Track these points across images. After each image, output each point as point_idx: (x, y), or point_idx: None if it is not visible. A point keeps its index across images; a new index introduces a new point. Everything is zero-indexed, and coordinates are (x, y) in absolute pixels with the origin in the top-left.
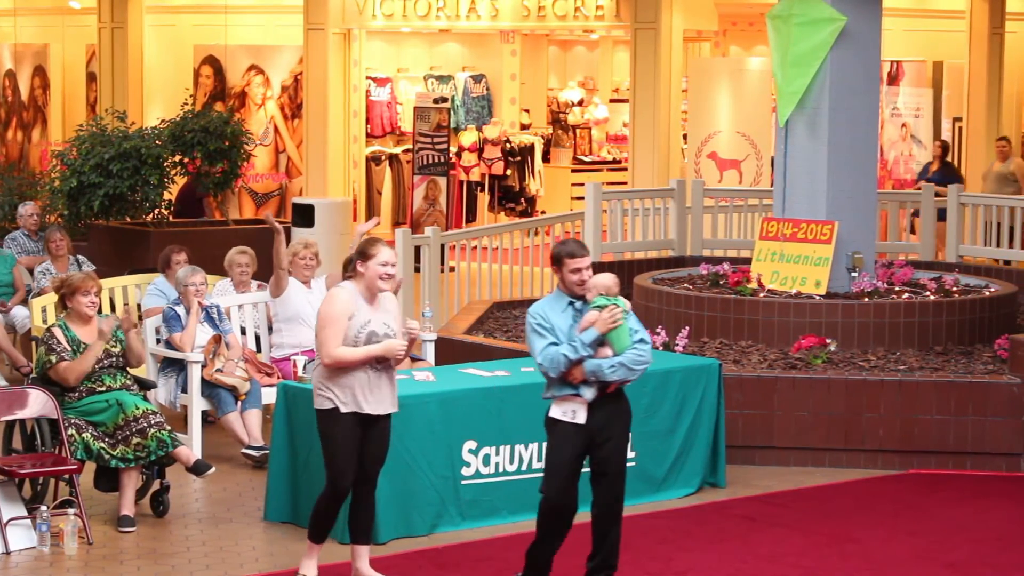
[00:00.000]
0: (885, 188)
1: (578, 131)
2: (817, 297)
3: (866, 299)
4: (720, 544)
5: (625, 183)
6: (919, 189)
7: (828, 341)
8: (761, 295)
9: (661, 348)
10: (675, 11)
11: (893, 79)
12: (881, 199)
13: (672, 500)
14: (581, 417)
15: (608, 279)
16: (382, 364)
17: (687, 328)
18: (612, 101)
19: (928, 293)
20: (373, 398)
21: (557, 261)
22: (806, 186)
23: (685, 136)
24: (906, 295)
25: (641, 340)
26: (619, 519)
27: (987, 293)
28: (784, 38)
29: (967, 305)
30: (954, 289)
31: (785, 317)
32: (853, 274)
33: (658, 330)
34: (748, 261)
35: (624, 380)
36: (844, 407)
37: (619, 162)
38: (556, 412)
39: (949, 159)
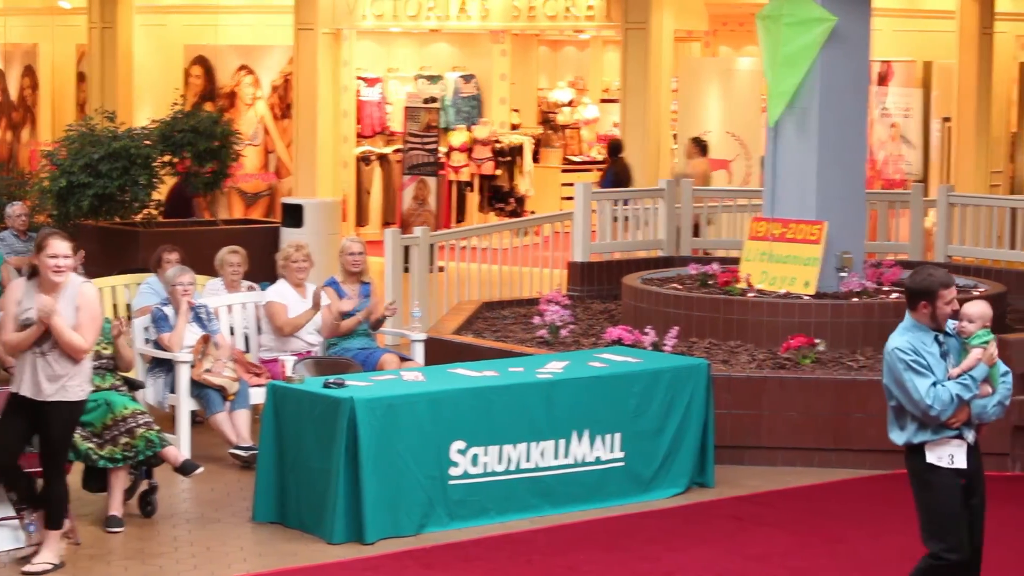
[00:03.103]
0: (874, 188)
1: (568, 131)
2: (806, 297)
3: (855, 299)
4: (708, 544)
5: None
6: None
7: (817, 341)
8: (750, 295)
9: (650, 348)
10: (665, 11)
11: (883, 79)
12: (870, 199)
13: (660, 500)
14: (961, 460)
15: (987, 307)
16: (42, 348)
17: (676, 328)
18: (602, 101)
19: None
20: (27, 380)
21: (929, 294)
22: (795, 186)
23: (675, 136)
24: (895, 295)
25: (1007, 372)
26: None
27: (976, 293)
28: (774, 38)
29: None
30: None
31: (774, 317)
32: (842, 274)
33: (647, 330)
34: (737, 261)
35: (998, 418)
36: (832, 407)
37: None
38: (933, 457)
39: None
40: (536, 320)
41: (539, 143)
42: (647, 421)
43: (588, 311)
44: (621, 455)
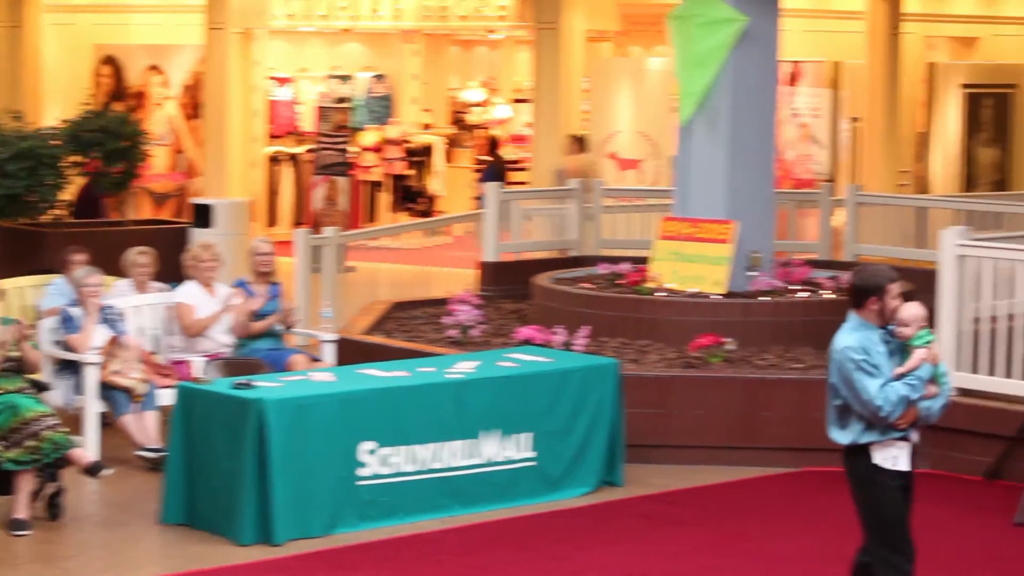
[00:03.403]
0: (784, 188)
1: (479, 131)
2: (716, 296)
3: (764, 298)
4: (617, 543)
5: (526, 183)
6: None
7: (726, 340)
8: (660, 294)
9: (560, 348)
10: (576, 11)
11: (793, 79)
12: (779, 199)
13: (570, 499)
14: (904, 463)
15: (923, 310)
16: None
17: (586, 328)
18: (514, 101)
19: (825, 292)
20: None
21: (879, 290)
22: (705, 186)
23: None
24: (803, 294)
25: (946, 371)
26: None
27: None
28: (685, 38)
29: None
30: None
31: (684, 316)
32: (751, 273)
33: (557, 330)
34: (647, 260)
35: (938, 419)
36: (741, 406)
37: (520, 162)
38: (879, 459)
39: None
40: (447, 320)
41: (451, 143)
42: (557, 420)
43: (499, 311)
44: (531, 455)
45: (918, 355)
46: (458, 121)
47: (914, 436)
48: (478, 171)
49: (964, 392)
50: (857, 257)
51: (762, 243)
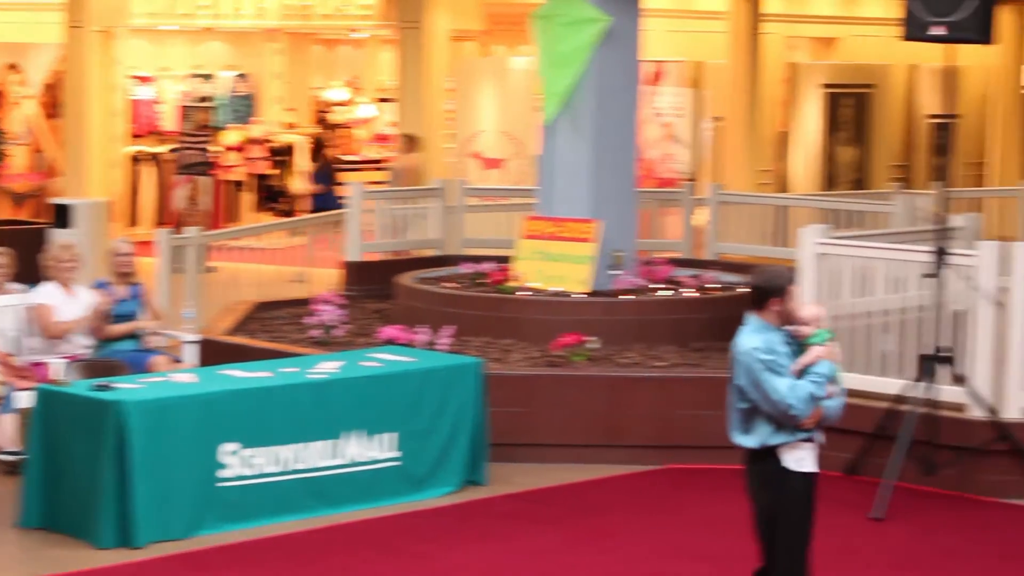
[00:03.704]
0: (646, 187)
1: (342, 131)
2: (579, 295)
3: (626, 297)
4: (481, 542)
5: (390, 183)
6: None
7: (588, 339)
8: (523, 293)
9: (424, 347)
10: (440, 10)
11: (655, 79)
12: (642, 198)
13: (434, 499)
14: (810, 464)
15: (820, 310)
16: None
17: (450, 327)
18: (379, 100)
19: (687, 290)
20: None
21: (780, 292)
22: (569, 185)
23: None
24: (665, 292)
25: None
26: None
27: (744, 290)
28: (549, 38)
29: (724, 302)
30: (712, 286)
31: (547, 315)
32: (614, 272)
33: (420, 329)
34: (510, 260)
35: (838, 419)
36: (604, 404)
37: (384, 161)
38: (790, 461)
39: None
40: (309, 320)
41: (314, 142)
42: (421, 420)
43: (362, 310)
44: (395, 454)
45: (815, 351)
46: (322, 120)
47: (819, 437)
48: (311, 173)
49: None
50: (719, 256)
51: (625, 242)
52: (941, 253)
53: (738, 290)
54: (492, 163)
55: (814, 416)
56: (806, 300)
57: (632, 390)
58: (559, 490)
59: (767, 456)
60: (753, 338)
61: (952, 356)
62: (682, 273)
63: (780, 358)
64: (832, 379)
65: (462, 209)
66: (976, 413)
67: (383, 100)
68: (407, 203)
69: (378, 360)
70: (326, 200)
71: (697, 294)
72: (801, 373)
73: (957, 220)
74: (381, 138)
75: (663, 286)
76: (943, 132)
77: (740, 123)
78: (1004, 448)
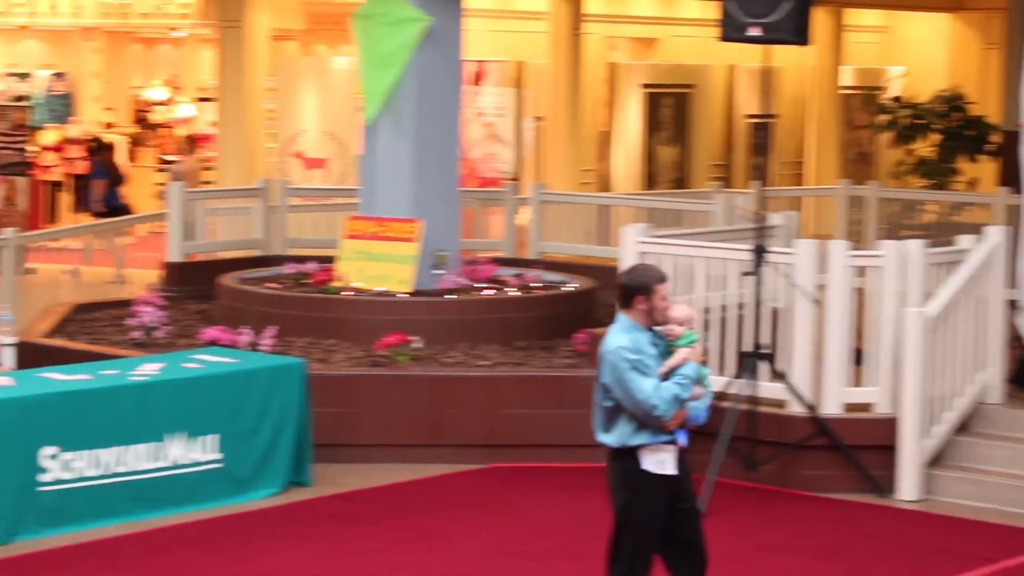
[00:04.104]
0: (469, 186)
1: (162, 130)
2: (402, 295)
3: (450, 296)
4: (306, 543)
5: (211, 182)
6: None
7: (412, 338)
8: (347, 294)
9: (247, 348)
10: (260, 10)
11: (477, 79)
12: (465, 197)
13: (257, 500)
14: (671, 467)
15: (691, 311)
16: None
17: (273, 327)
18: (199, 100)
19: (510, 289)
20: None
21: (645, 290)
22: (391, 185)
23: (273, 135)
24: (488, 292)
25: (707, 374)
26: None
27: (567, 289)
28: (369, 38)
29: (547, 301)
30: (535, 285)
31: (371, 315)
32: (437, 272)
33: (243, 330)
34: (334, 260)
35: (704, 422)
36: (428, 403)
37: (206, 161)
38: (649, 463)
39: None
40: (130, 322)
41: (134, 142)
42: (244, 421)
43: (184, 311)
44: (218, 456)
45: (681, 353)
46: (141, 120)
47: (681, 439)
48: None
49: None
50: (541, 255)
51: (448, 241)
52: (760, 251)
53: (561, 289)
54: (314, 163)
55: (677, 418)
56: (676, 300)
57: (456, 389)
58: (384, 490)
59: (626, 456)
60: (620, 337)
61: (771, 353)
62: (505, 272)
63: (646, 358)
64: (698, 381)
65: (284, 209)
66: (795, 409)
67: (203, 100)
68: (229, 203)
69: (200, 361)
70: (110, 198)
71: (520, 293)
72: (668, 375)
73: (775, 218)
74: (201, 138)
75: (486, 285)
76: (761, 132)
77: (562, 123)
78: (823, 443)
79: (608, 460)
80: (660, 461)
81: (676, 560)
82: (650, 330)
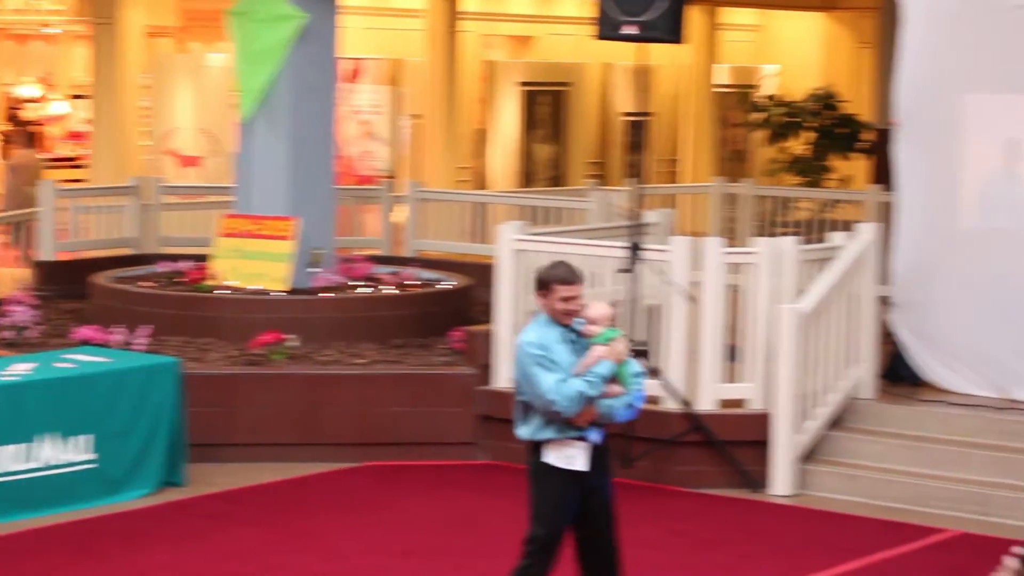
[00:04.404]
0: (345, 184)
1: (35, 127)
2: (278, 293)
3: (326, 294)
4: (180, 543)
5: (84, 180)
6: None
7: (288, 337)
8: (221, 292)
9: (120, 347)
10: (135, 7)
11: (353, 76)
12: (340, 195)
13: (131, 501)
14: (581, 463)
15: (608, 307)
16: None
17: (147, 326)
18: (72, 97)
19: (387, 287)
20: None
21: (544, 286)
22: (267, 183)
23: (147, 133)
24: (365, 290)
25: (639, 373)
26: (619, 565)
27: (443, 287)
28: (245, 35)
29: (424, 299)
30: (411, 283)
31: (246, 314)
32: (313, 270)
33: (115, 329)
34: (208, 258)
35: (629, 420)
36: (304, 402)
37: (78, 159)
38: (552, 458)
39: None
40: (1, 321)
41: (6, 139)
42: (117, 421)
43: (56, 310)
44: (91, 456)
45: (595, 352)
46: (12, 117)
47: (594, 436)
48: None
49: None
50: (418, 253)
51: (323, 240)
52: (635, 249)
53: (438, 287)
54: (189, 161)
55: (585, 415)
56: (594, 299)
57: (332, 388)
58: (259, 489)
59: (537, 449)
60: (530, 332)
61: (647, 349)
62: (382, 270)
63: (552, 354)
64: (615, 379)
65: (158, 207)
66: (670, 405)
67: (77, 97)
68: (102, 201)
69: (73, 361)
70: None
71: (396, 291)
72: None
73: (651, 216)
74: (75, 135)
75: (362, 283)
76: (637, 130)
77: (438, 121)
78: (697, 439)
79: (527, 454)
80: (568, 456)
81: (586, 563)
82: (570, 328)
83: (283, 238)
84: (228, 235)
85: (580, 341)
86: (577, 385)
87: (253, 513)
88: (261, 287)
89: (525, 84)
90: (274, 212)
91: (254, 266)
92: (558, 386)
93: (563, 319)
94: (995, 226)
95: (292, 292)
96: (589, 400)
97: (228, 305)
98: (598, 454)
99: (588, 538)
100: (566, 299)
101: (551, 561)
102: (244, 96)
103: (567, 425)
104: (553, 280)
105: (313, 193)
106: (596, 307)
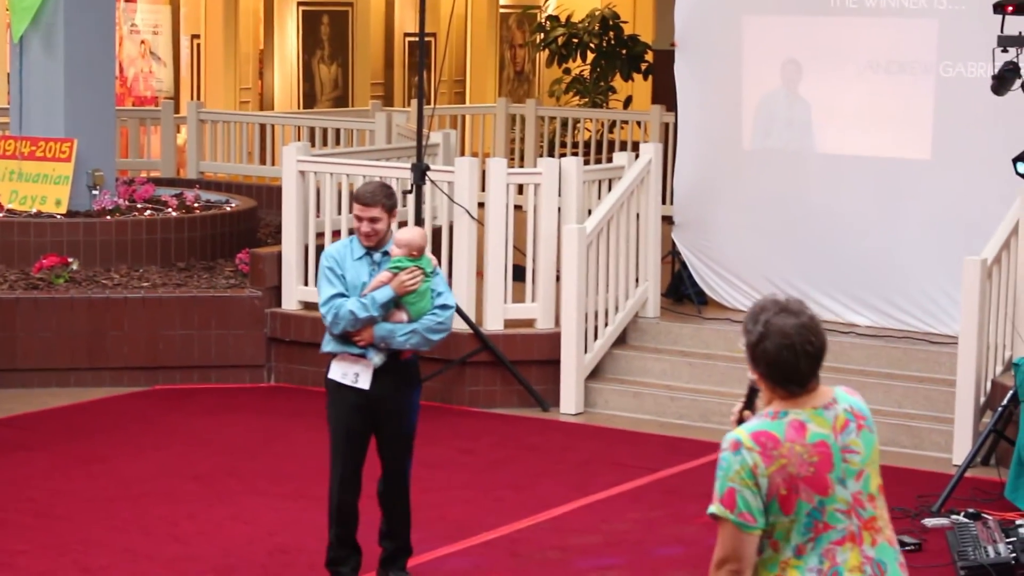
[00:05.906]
0: (125, 105)
1: None
2: (58, 216)
3: (108, 217)
4: None
5: None
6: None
7: (70, 260)
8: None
9: None
10: None
11: None
12: (121, 116)
13: None
14: (365, 381)
15: (414, 235)
16: None
17: None
18: None
19: (170, 210)
20: None
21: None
22: (43, 103)
23: None
24: (148, 212)
25: (444, 305)
26: (407, 495)
27: (228, 208)
28: None
29: (208, 221)
30: (195, 205)
31: (25, 237)
32: (94, 192)
33: None
34: None
35: (419, 348)
36: (88, 326)
37: None
38: (336, 373)
39: None
40: None
41: None
42: None
43: None
44: None
45: (380, 277)
46: None
47: (375, 358)
48: None
49: (307, 305)
50: (201, 174)
51: (104, 161)
52: (420, 169)
53: (222, 209)
54: None
55: (363, 335)
56: (412, 227)
57: (116, 312)
58: (44, 415)
59: (327, 363)
60: (334, 245)
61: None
62: (165, 192)
63: (343, 269)
64: (399, 306)
65: None
66: (458, 326)
67: None
68: None
69: None
70: None
71: (180, 213)
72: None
73: (435, 137)
74: None
75: (145, 205)
76: (421, 50)
77: (219, 41)
78: (486, 359)
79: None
80: (347, 373)
81: (378, 492)
82: (375, 248)
83: (62, 160)
84: (4, 158)
85: (384, 262)
86: (350, 304)
87: (38, 439)
88: (40, 210)
89: (304, 3)
90: (51, 133)
91: (33, 188)
92: (331, 301)
93: (363, 241)
94: (774, 146)
95: (73, 215)
96: (362, 321)
97: (7, 229)
98: (390, 380)
99: (382, 467)
100: (359, 218)
101: (349, 484)
102: (16, 15)
103: (348, 341)
104: (353, 197)
105: (92, 114)
106: (403, 233)
